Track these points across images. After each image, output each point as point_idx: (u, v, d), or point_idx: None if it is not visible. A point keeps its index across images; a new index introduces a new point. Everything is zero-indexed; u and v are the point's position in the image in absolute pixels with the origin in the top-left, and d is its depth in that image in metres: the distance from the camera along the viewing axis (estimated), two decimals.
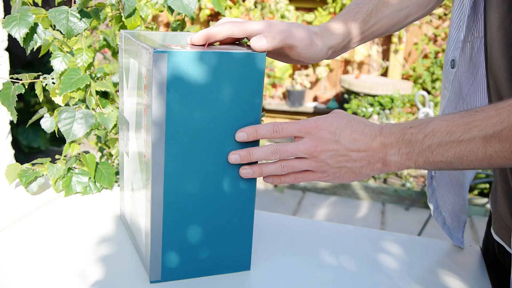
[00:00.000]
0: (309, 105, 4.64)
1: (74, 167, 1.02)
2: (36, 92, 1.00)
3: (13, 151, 2.39)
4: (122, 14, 1.02)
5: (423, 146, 0.63)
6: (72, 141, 1.01)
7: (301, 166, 0.70)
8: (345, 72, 4.59)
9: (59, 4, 1.04)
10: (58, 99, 1.03)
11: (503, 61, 0.70)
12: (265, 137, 0.69)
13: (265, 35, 0.70)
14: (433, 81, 4.18)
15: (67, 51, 0.99)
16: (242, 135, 0.69)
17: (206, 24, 4.54)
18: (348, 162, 0.68)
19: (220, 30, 0.70)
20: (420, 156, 0.64)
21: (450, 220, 0.90)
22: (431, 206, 0.89)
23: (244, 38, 0.75)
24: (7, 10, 2.21)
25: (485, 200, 3.31)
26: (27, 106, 3.79)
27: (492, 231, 0.84)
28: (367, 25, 0.84)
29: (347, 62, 4.57)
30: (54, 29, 0.99)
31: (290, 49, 0.75)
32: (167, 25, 4.74)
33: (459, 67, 0.84)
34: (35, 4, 1.03)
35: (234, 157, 0.70)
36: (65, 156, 1.04)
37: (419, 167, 0.65)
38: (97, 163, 1.01)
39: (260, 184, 3.66)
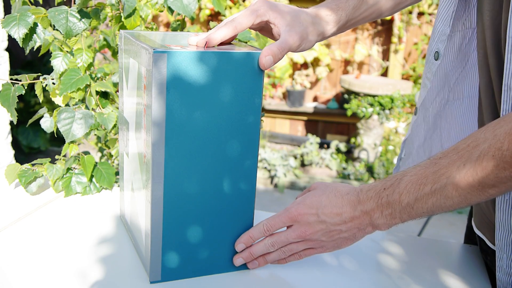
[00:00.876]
0: (309, 105, 4.64)
1: (74, 168, 1.02)
2: (36, 92, 1.00)
3: (13, 151, 2.39)
4: (122, 14, 1.02)
5: (402, 204, 0.65)
6: (72, 141, 1.01)
7: (299, 248, 0.74)
8: (345, 72, 4.59)
9: (59, 4, 1.03)
10: (58, 100, 1.03)
11: (493, 59, 0.70)
12: (260, 238, 0.74)
13: (272, 52, 0.70)
14: None
15: (67, 51, 0.99)
16: (241, 246, 0.75)
17: (206, 24, 4.54)
18: (341, 234, 0.71)
19: (217, 36, 0.71)
20: (403, 213, 0.66)
21: None
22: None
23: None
24: (7, 10, 2.21)
25: None
26: (27, 106, 3.79)
27: (473, 224, 0.84)
28: (358, 11, 0.84)
29: (347, 62, 4.57)
30: (54, 29, 0.99)
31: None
32: (167, 25, 4.74)
33: (445, 58, 0.85)
34: (36, 4, 1.03)
35: (239, 260, 0.75)
36: (64, 156, 1.03)
37: (405, 221, 0.67)
38: (96, 163, 1.01)
39: (260, 184, 3.67)
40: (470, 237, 0.91)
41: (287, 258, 0.76)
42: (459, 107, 0.90)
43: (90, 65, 1.00)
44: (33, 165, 1.01)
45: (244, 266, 0.77)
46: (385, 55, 4.45)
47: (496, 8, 0.68)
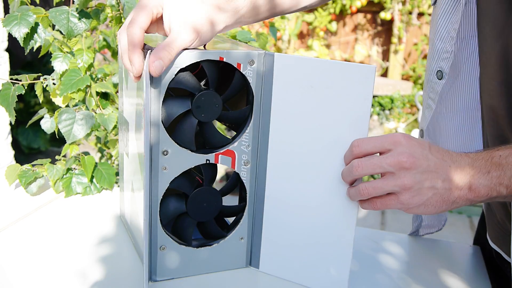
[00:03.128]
0: None
1: (74, 168, 1.02)
2: (36, 93, 1.00)
3: (13, 152, 2.39)
4: (122, 15, 1.02)
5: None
6: (72, 142, 1.01)
7: (383, 186, 0.60)
8: None
9: (58, 4, 1.04)
10: (58, 100, 1.03)
11: (497, 74, 0.69)
12: (348, 161, 0.63)
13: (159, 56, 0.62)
14: None
15: (67, 52, 0.99)
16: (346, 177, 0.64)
17: None
18: (438, 182, 0.60)
19: (130, 39, 0.64)
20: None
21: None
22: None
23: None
24: (7, 10, 2.21)
25: None
26: (27, 107, 3.79)
27: (488, 238, 0.83)
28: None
29: None
30: (53, 29, 0.99)
31: None
32: None
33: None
34: (34, 3, 1.03)
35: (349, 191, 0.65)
36: (64, 156, 1.04)
37: (508, 194, 0.59)
38: (96, 164, 1.01)
39: None
40: (479, 240, 0.91)
41: (361, 204, 0.64)
42: (452, 121, 0.85)
43: (91, 65, 1.00)
44: (33, 165, 1.01)
45: (245, 264, 0.77)
46: (385, 56, 4.45)
47: (500, 16, 0.67)
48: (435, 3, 0.81)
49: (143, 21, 0.64)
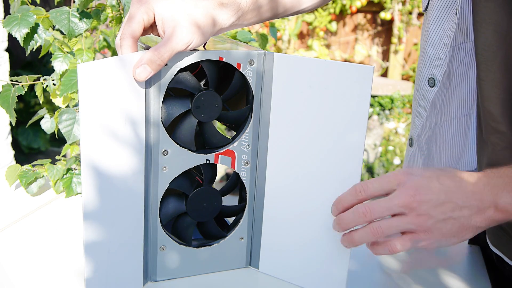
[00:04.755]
0: None
1: (74, 168, 1.02)
2: (36, 93, 1.00)
3: (13, 152, 2.39)
4: (122, 15, 1.02)
5: None
6: (72, 142, 1.01)
7: (398, 225, 0.57)
8: None
9: (58, 4, 1.04)
10: (58, 101, 1.03)
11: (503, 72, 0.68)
12: (351, 203, 0.60)
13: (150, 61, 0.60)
14: None
15: (67, 52, 1.00)
16: (333, 209, 0.62)
17: None
18: (455, 212, 0.56)
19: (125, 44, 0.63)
20: None
21: None
22: None
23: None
24: (7, 10, 2.22)
25: None
26: (27, 107, 3.79)
27: (488, 242, 0.83)
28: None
29: None
30: (53, 30, 0.99)
31: None
32: None
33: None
34: (34, 3, 1.03)
35: (334, 226, 0.62)
36: (64, 156, 1.04)
37: None
38: None
39: None
40: (473, 239, 0.90)
41: (376, 248, 0.60)
42: (448, 130, 0.83)
43: None
44: (33, 166, 1.01)
45: (245, 264, 0.77)
46: (385, 56, 4.45)
47: (502, 21, 0.66)
48: (426, 9, 0.80)
49: (134, 32, 0.63)
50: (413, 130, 0.84)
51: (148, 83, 0.65)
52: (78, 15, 0.95)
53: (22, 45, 0.94)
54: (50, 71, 3.26)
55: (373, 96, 3.99)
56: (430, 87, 0.78)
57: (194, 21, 0.62)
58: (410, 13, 4.23)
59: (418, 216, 0.56)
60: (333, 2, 4.28)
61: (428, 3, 0.79)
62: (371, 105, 3.96)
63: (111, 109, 0.60)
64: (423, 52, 0.79)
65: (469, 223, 0.56)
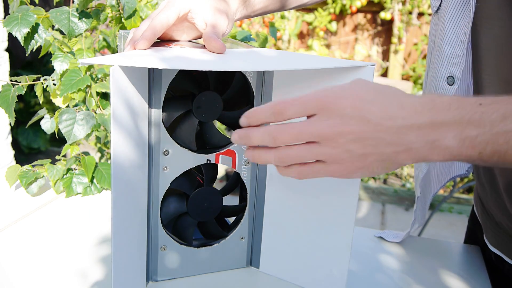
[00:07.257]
0: None
1: (74, 168, 1.02)
2: (36, 93, 1.00)
3: (13, 152, 2.39)
4: (122, 15, 1.02)
5: (496, 129, 0.46)
6: (72, 142, 1.01)
7: (306, 155, 0.51)
8: None
9: (58, 4, 1.04)
10: (58, 101, 1.03)
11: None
12: (264, 120, 0.52)
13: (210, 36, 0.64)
14: None
15: (67, 52, 1.00)
16: (243, 120, 0.53)
17: None
18: (378, 148, 0.48)
19: (141, 47, 0.64)
20: (494, 143, 0.46)
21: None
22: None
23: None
24: (7, 10, 2.21)
25: None
26: (27, 107, 3.79)
27: (486, 241, 0.83)
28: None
29: None
30: (53, 29, 1.00)
31: None
32: None
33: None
34: (33, 3, 1.03)
35: (234, 137, 0.54)
36: (64, 156, 1.04)
37: (481, 160, 0.47)
38: (96, 164, 1.01)
39: None
40: (471, 238, 0.90)
41: (283, 170, 0.54)
42: None
43: (91, 65, 1.00)
44: (33, 166, 1.01)
45: (246, 263, 0.77)
46: (385, 56, 4.45)
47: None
48: (437, 11, 0.80)
49: (170, 15, 0.66)
50: None
51: (149, 83, 0.65)
52: (78, 15, 0.95)
53: (22, 45, 0.94)
54: (50, 71, 3.26)
55: None
56: (449, 85, 0.77)
57: (221, 11, 0.69)
58: (410, 13, 4.23)
59: (333, 148, 0.49)
60: (333, 2, 4.29)
61: (440, 4, 0.80)
62: None
63: (122, 109, 0.60)
64: (440, 51, 0.79)
65: (394, 159, 0.49)
